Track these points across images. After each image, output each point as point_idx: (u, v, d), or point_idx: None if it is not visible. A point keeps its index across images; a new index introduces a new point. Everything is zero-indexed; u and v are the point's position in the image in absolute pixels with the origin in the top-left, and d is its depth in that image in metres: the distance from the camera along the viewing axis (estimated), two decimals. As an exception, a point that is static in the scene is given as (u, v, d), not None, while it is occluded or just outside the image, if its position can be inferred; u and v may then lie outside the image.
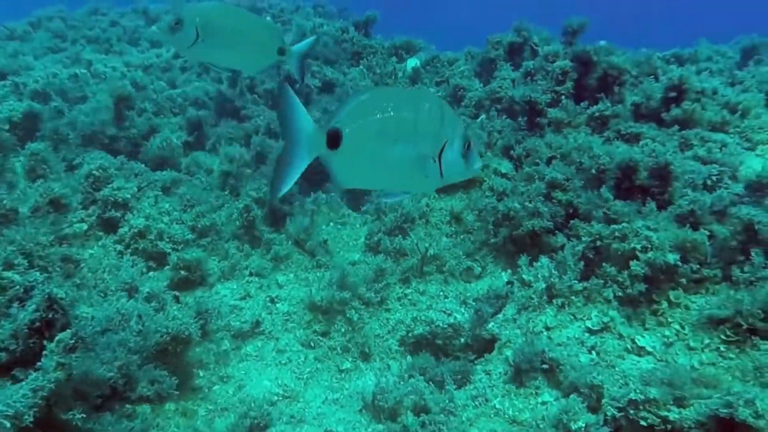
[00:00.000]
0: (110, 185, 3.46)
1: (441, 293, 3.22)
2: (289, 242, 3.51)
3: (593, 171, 2.92)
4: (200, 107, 5.09)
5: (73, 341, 1.98)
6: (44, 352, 1.98)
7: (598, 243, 2.67)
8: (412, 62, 5.80)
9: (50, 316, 2.21)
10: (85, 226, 3.42)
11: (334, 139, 1.62)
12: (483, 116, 4.06)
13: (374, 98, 1.67)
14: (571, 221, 2.85)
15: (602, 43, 3.96)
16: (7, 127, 3.90)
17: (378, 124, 1.65)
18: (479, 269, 3.32)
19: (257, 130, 4.70)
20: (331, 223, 3.84)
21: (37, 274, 2.37)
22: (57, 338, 2.02)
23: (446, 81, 4.95)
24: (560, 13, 4.98)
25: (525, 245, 3.10)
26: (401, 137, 1.66)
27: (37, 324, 2.18)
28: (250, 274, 3.36)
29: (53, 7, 8.91)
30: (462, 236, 3.45)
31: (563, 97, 3.80)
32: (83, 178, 3.52)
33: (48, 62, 6.83)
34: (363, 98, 1.66)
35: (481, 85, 4.62)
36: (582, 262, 2.67)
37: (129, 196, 3.44)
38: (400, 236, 3.41)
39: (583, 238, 2.70)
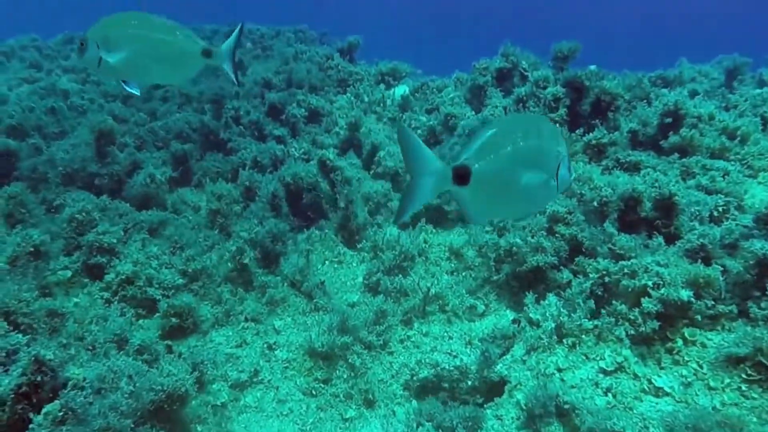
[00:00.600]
0: (95, 230, 3.36)
1: (445, 334, 3.17)
2: (285, 284, 3.43)
3: (595, 204, 2.91)
4: (184, 140, 5.03)
5: (62, 414, 1.89)
6: (31, 426, 1.88)
7: (607, 279, 2.65)
8: (401, 89, 5.82)
9: (38, 379, 2.12)
10: (69, 273, 3.32)
11: (462, 176, 1.68)
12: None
13: (501, 131, 1.75)
14: (577, 258, 2.83)
15: (592, 67, 4.01)
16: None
17: (510, 156, 1.73)
18: (483, 307, 3.28)
19: (244, 164, 4.65)
20: (327, 262, 3.78)
21: (20, 336, 2.27)
22: (45, 410, 1.93)
23: (437, 108, 4.97)
24: (533, 38, 5.04)
25: (529, 282, 3.07)
26: (530, 164, 1.77)
27: (24, 389, 2.09)
28: (246, 320, 3.27)
29: (26, 36, 8.82)
30: (463, 273, 3.42)
31: (557, 124, 3.82)
32: (65, 222, 3.42)
33: (23, 93, 6.72)
34: (490, 133, 1.73)
35: (473, 112, 4.62)
36: (591, 300, 2.64)
37: (115, 240, 3.35)
38: (399, 275, 3.35)
39: (591, 275, 2.68)
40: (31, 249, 3.17)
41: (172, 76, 3.06)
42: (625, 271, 2.57)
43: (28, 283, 2.73)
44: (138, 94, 3.05)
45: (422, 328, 3.22)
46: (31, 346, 2.18)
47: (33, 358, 2.10)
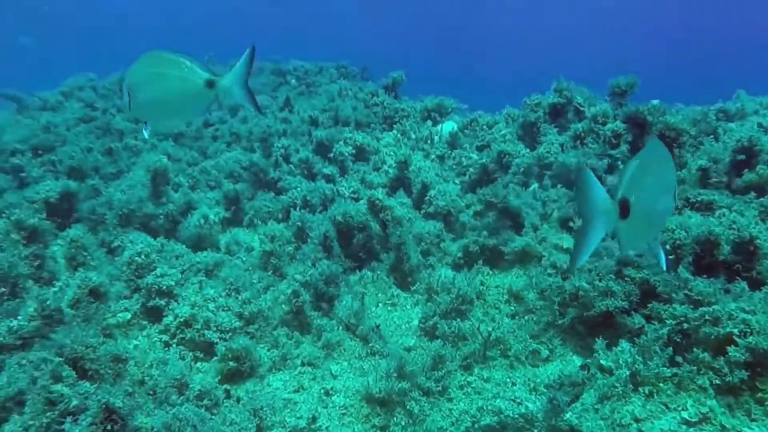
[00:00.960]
0: (153, 272, 3.44)
1: (508, 380, 3.08)
2: (340, 327, 3.42)
3: (668, 247, 2.82)
4: (236, 180, 5.13)
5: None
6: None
7: (686, 326, 2.54)
8: (449, 126, 5.84)
9: (108, 427, 2.14)
10: (128, 316, 3.39)
11: (624, 209, 1.81)
12: (535, 184, 4.01)
13: (642, 163, 1.87)
14: (649, 303, 2.73)
15: (655, 102, 3.94)
16: (44, 214, 3.92)
17: (656, 187, 1.88)
18: (547, 352, 3.19)
19: (295, 204, 4.70)
20: (380, 305, 3.76)
21: (88, 384, 2.30)
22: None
23: (488, 146, 4.95)
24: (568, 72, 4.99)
25: (597, 327, 2.97)
26: (670, 191, 1.94)
27: (94, 438, 2.11)
28: (302, 364, 3.25)
29: (84, 76, 9.25)
30: (525, 317, 3.33)
31: (619, 161, 3.75)
32: (125, 265, 3.51)
33: (80, 133, 7.02)
34: (635, 165, 1.86)
35: (527, 150, 4.59)
36: (670, 347, 2.53)
37: (173, 283, 3.41)
38: (458, 319, 3.30)
39: (668, 321, 2.58)
40: (90, 290, 3.26)
41: (183, 112, 3.00)
42: (707, 317, 2.46)
43: (93, 328, 2.78)
44: (147, 137, 3.01)
45: (483, 373, 3.14)
46: (99, 394, 2.21)
47: (103, 407, 2.13)
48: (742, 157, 3.37)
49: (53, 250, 3.77)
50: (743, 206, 3.15)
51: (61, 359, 2.41)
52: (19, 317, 2.83)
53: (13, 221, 3.50)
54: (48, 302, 2.82)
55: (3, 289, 3.10)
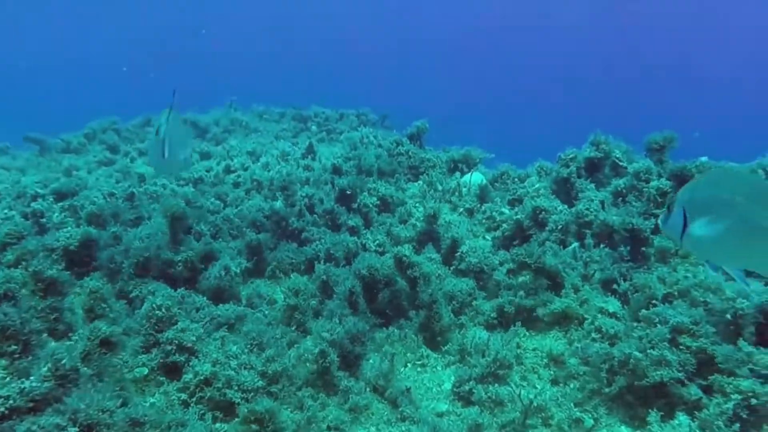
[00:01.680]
0: (174, 327, 3.36)
1: (551, 453, 2.92)
2: (368, 389, 3.29)
3: (728, 317, 2.69)
4: (258, 230, 5.10)
5: None
6: None
7: (753, 402, 2.39)
8: (477, 178, 5.79)
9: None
10: (146, 371, 3.30)
11: None
12: (575, 243, 3.91)
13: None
14: (707, 373, 2.59)
15: (703, 159, 3.88)
16: (63, 264, 3.88)
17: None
18: (591, 422, 3.02)
19: (318, 256, 4.64)
20: (409, 365, 3.63)
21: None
22: None
23: (520, 200, 4.90)
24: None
25: (648, 397, 2.82)
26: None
27: None
28: (328, 428, 3.12)
29: (107, 119, 9.47)
30: (568, 383, 3.19)
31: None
32: (144, 318, 3.44)
33: (101, 176, 7.10)
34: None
35: (564, 205, 4.51)
36: (737, 423, 2.38)
37: (194, 338, 3.33)
38: (495, 383, 3.16)
39: (732, 395, 2.44)
40: (101, 341, 3.17)
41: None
42: (776, 394, 2.32)
43: (109, 389, 2.68)
44: None
45: (524, 446, 2.98)
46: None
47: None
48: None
49: (70, 299, 3.71)
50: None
51: (75, 428, 2.31)
52: (31, 377, 2.73)
53: (31, 272, 3.45)
54: (63, 361, 2.72)
55: (15, 347, 3.01)
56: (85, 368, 2.87)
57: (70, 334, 3.25)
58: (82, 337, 3.15)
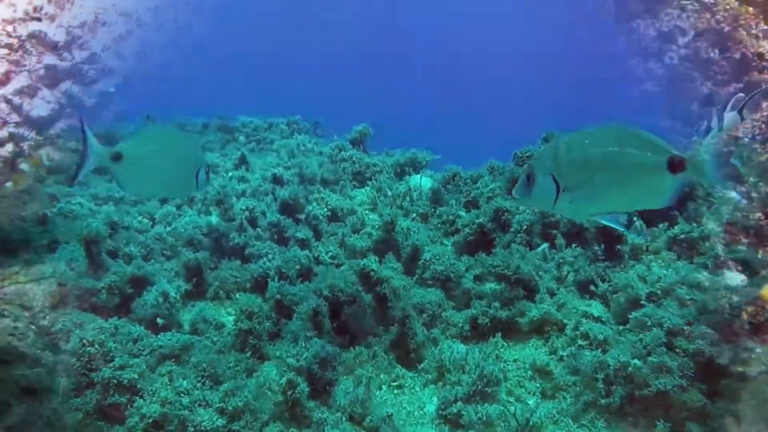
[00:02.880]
0: (111, 364, 2.97)
1: (550, 474, 2.76)
2: (344, 419, 3.01)
3: (726, 315, 2.64)
4: (196, 248, 4.70)
5: None
6: None
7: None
8: (427, 182, 5.64)
9: None
10: (79, 416, 2.88)
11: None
12: (545, 245, 3.81)
13: None
14: (724, 381, 2.52)
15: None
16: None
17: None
18: (590, 437, 2.90)
19: (267, 273, 4.30)
20: (383, 387, 3.39)
21: None
22: None
23: (475, 202, 4.78)
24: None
25: (650, 407, 2.72)
26: None
27: None
28: (303, 469, 2.82)
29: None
30: (558, 395, 3.05)
31: (634, 217, 3.63)
32: (73, 356, 3.02)
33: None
34: None
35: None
36: None
37: (136, 375, 2.94)
38: (484, 403, 2.98)
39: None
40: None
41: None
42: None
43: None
44: None
45: (520, 469, 2.81)
46: None
47: None
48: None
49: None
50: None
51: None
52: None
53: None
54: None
55: None
56: None
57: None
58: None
